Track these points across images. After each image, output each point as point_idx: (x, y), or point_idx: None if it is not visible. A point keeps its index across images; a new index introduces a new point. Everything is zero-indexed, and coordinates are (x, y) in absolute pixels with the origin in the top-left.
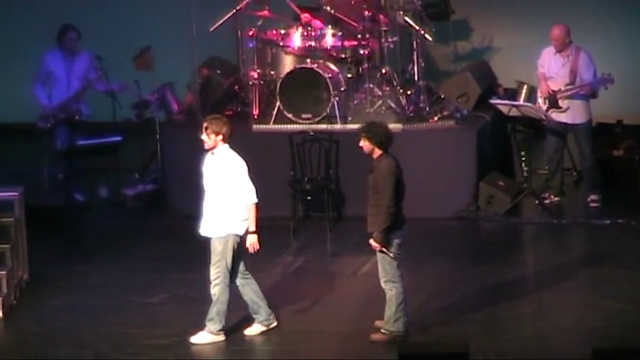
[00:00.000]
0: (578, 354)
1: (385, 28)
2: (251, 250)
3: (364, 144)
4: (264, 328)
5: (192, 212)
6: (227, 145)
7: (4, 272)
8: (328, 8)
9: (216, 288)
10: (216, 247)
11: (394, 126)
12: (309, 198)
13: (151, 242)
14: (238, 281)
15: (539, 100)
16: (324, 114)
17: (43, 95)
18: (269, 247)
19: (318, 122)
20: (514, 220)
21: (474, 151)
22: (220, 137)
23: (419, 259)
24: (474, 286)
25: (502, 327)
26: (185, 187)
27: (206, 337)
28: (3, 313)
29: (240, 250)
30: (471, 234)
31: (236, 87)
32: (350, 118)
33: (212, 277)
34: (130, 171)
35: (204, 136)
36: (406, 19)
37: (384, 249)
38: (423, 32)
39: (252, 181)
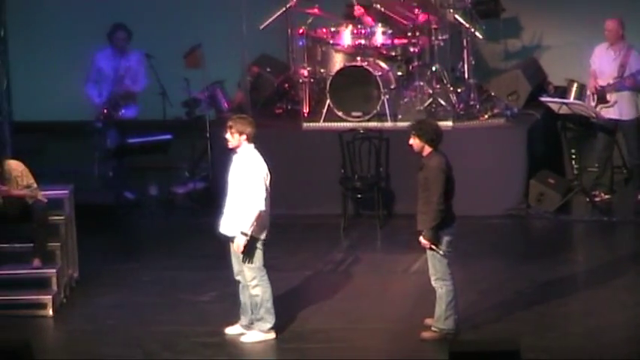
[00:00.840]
0: (629, 352)
1: (435, 26)
2: (234, 249)
3: (414, 142)
4: (243, 331)
5: None
6: (252, 146)
7: (54, 270)
8: (378, 6)
9: (257, 289)
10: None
11: (444, 124)
12: (359, 196)
13: (200, 240)
14: (242, 282)
15: (589, 97)
16: (374, 112)
17: (95, 94)
18: (319, 244)
19: (369, 120)
20: (564, 218)
21: (524, 148)
22: (244, 137)
23: (469, 257)
24: (524, 283)
25: (552, 325)
26: None
27: (257, 335)
28: (53, 311)
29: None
30: (521, 232)
31: (286, 85)
32: (400, 116)
33: (248, 280)
34: (180, 169)
35: (227, 135)
36: (456, 16)
37: (433, 246)
38: (473, 30)
39: (302, 179)
